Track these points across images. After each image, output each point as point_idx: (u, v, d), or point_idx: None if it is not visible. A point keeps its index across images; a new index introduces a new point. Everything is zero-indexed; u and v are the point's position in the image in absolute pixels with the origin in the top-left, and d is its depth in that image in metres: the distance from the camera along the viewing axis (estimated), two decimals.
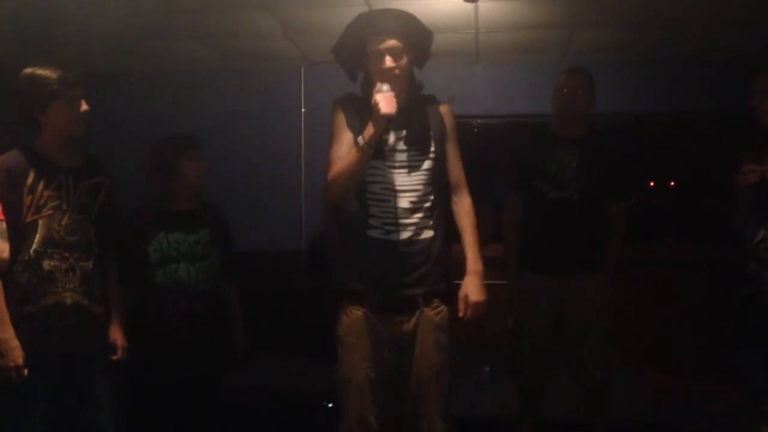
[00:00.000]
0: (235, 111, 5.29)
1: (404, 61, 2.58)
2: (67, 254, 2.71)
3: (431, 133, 2.66)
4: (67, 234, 2.72)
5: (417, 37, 2.64)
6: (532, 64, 5.01)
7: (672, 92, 4.97)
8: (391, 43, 2.55)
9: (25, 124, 2.77)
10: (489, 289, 2.65)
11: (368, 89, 2.60)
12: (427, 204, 2.62)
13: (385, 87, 2.48)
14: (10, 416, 2.66)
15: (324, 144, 4.01)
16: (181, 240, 3.16)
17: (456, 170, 2.74)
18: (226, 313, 3.32)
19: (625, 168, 3.64)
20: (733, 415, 3.80)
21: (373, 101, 2.47)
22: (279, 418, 4.07)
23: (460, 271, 2.69)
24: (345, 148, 2.60)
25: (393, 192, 2.58)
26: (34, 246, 2.67)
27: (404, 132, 2.62)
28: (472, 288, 2.59)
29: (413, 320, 2.61)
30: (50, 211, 2.70)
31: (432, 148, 2.64)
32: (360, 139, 2.54)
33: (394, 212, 2.57)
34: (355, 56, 2.66)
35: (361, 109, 2.60)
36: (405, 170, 2.60)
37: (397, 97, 2.51)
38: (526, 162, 3.54)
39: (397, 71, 2.55)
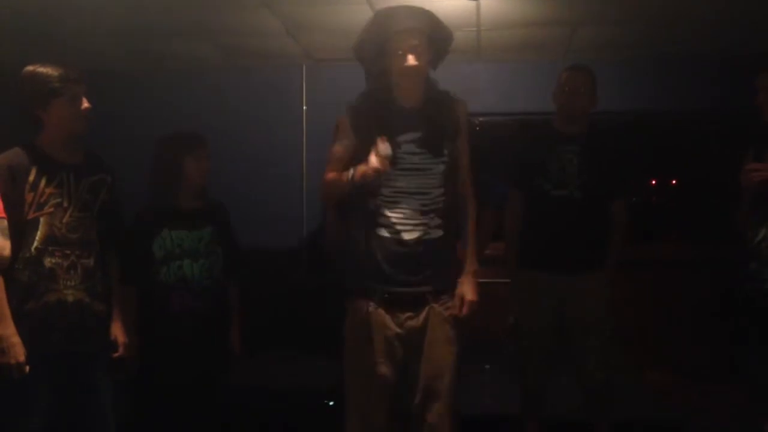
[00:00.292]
0: (236, 109, 5.29)
1: (425, 59, 2.57)
2: (68, 251, 2.71)
3: (444, 135, 2.66)
4: (68, 231, 2.72)
5: (438, 37, 2.63)
6: (533, 62, 5.00)
7: (674, 91, 4.97)
8: (415, 41, 2.53)
9: (26, 122, 2.77)
10: (483, 288, 2.73)
11: (385, 88, 2.61)
12: (439, 205, 2.63)
13: (384, 146, 2.46)
14: (12, 414, 2.66)
15: (326, 141, 4.02)
16: (185, 237, 3.16)
17: (463, 173, 2.75)
18: (228, 311, 3.31)
19: (626, 166, 3.63)
20: (734, 415, 3.80)
21: (372, 152, 2.47)
22: (280, 416, 4.07)
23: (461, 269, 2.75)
24: (341, 151, 2.67)
25: (404, 194, 2.59)
26: (36, 243, 2.66)
27: (417, 135, 2.61)
28: (467, 288, 2.67)
29: (422, 316, 2.63)
30: (52, 209, 2.70)
31: (445, 151, 2.64)
32: (352, 171, 2.55)
33: (405, 213, 2.58)
34: (376, 54, 2.63)
35: (374, 109, 2.61)
36: (417, 173, 2.61)
37: (414, 95, 2.55)
38: (527, 160, 3.54)
39: (417, 70, 2.55)
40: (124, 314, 2.98)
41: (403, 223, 2.58)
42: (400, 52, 2.53)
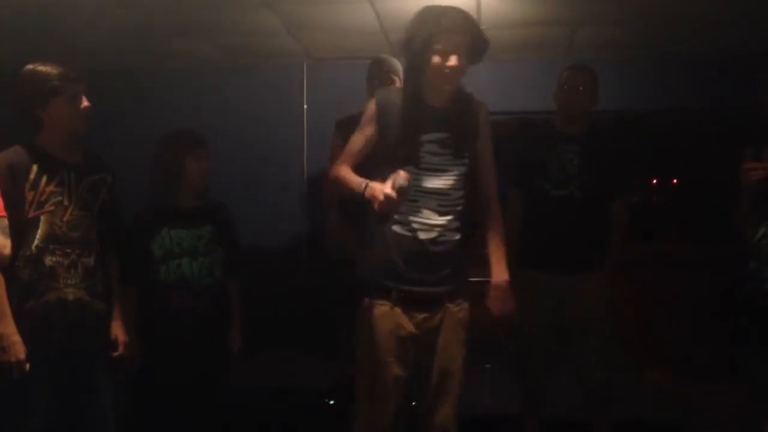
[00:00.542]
0: (237, 108, 5.29)
1: (465, 62, 2.56)
2: (68, 250, 2.71)
3: (467, 137, 2.65)
4: (68, 230, 2.72)
5: (477, 43, 2.60)
6: (534, 62, 5.00)
7: (674, 90, 4.97)
8: (461, 42, 2.52)
9: (26, 121, 2.77)
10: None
11: (416, 84, 2.59)
12: (458, 208, 2.62)
13: (402, 179, 2.42)
14: (12, 412, 2.66)
15: (326, 140, 4.02)
16: (183, 236, 3.16)
17: (486, 175, 2.74)
18: (229, 311, 3.31)
19: (626, 166, 3.63)
20: (734, 415, 3.80)
21: (390, 180, 2.44)
22: (280, 416, 4.08)
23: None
24: (361, 142, 2.67)
25: (423, 194, 2.57)
26: (36, 242, 2.67)
27: (442, 135, 2.60)
28: (499, 300, 2.70)
29: (438, 316, 2.63)
30: (52, 207, 2.70)
31: (466, 154, 2.64)
32: (365, 185, 2.53)
33: (423, 213, 2.57)
34: (422, 50, 2.56)
35: (405, 104, 2.59)
36: (437, 173, 2.60)
37: (444, 95, 2.59)
38: (527, 159, 3.54)
39: (458, 71, 2.55)
40: (124, 313, 2.98)
41: (420, 222, 2.56)
42: (445, 51, 2.50)
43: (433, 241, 2.58)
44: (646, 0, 3.86)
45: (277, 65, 5.28)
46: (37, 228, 2.67)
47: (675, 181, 6.03)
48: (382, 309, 2.59)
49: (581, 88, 3.47)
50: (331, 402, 4.25)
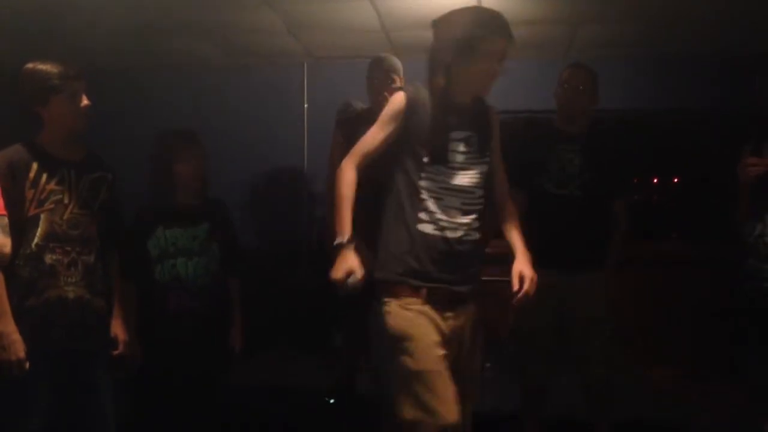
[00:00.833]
0: (237, 107, 5.29)
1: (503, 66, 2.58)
2: (68, 248, 2.71)
3: (487, 137, 2.65)
4: (69, 228, 2.72)
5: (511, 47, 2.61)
6: (534, 61, 4.99)
7: (675, 89, 4.97)
8: (506, 47, 2.54)
9: (27, 120, 2.77)
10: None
11: (448, 80, 2.55)
12: (479, 206, 2.61)
13: (357, 280, 2.43)
14: (12, 411, 2.66)
15: (327, 139, 4.01)
16: (179, 235, 3.16)
17: (501, 173, 2.79)
18: (228, 310, 3.31)
19: (627, 165, 3.63)
20: (734, 414, 3.80)
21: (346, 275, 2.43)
22: (280, 416, 4.08)
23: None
24: (378, 141, 2.57)
25: (449, 191, 2.55)
26: (36, 240, 2.66)
27: (466, 134, 2.59)
28: (526, 265, 2.63)
29: (462, 316, 2.62)
30: (52, 205, 2.70)
31: (487, 153, 2.64)
32: (338, 244, 2.48)
33: (449, 212, 2.54)
34: (468, 50, 2.52)
35: (437, 101, 2.55)
36: (462, 171, 2.58)
37: (470, 95, 2.60)
38: (528, 159, 3.53)
39: (498, 77, 2.56)
40: (124, 311, 2.98)
41: (446, 220, 2.54)
42: (493, 54, 2.52)
43: (459, 240, 2.56)
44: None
45: (277, 64, 5.29)
46: (37, 226, 2.67)
47: (676, 180, 6.02)
48: (416, 307, 2.53)
49: (581, 87, 3.47)
50: (332, 401, 4.25)
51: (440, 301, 2.56)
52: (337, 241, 2.47)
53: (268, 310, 4.52)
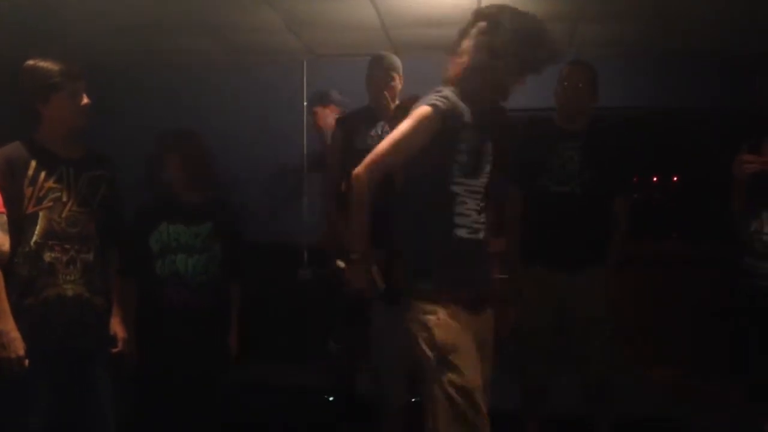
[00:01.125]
0: (237, 104, 5.29)
1: None
2: (67, 246, 2.70)
3: (493, 137, 2.65)
4: (67, 226, 2.71)
5: None
6: None
7: (675, 88, 4.96)
8: None
9: (26, 116, 2.76)
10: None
11: (482, 84, 2.50)
12: (484, 205, 2.60)
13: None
14: (11, 409, 2.65)
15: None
16: (181, 231, 3.15)
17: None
18: (226, 311, 3.30)
19: (628, 163, 3.62)
20: (734, 412, 3.80)
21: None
22: (280, 416, 4.08)
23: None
24: (418, 142, 2.42)
25: (472, 193, 2.52)
26: (35, 238, 2.66)
27: (485, 135, 2.59)
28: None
29: (486, 316, 2.61)
30: (51, 203, 2.69)
31: (491, 152, 2.64)
32: (354, 258, 2.48)
33: (474, 213, 2.51)
34: (519, 60, 2.48)
35: (470, 106, 2.47)
36: (483, 173, 2.58)
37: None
38: (528, 157, 3.53)
39: None
40: (124, 308, 2.99)
41: (476, 223, 2.51)
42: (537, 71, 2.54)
43: (483, 241, 2.55)
44: None
45: (277, 62, 5.28)
46: (36, 224, 2.66)
47: (675, 178, 6.02)
48: (461, 317, 2.47)
49: (581, 85, 3.46)
50: (331, 398, 4.26)
51: (474, 305, 2.53)
52: (354, 256, 2.47)
53: (267, 310, 4.52)
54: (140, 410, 3.16)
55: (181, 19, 4.28)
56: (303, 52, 5.11)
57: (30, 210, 2.66)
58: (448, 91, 2.44)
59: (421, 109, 2.41)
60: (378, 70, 3.71)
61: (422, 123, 2.40)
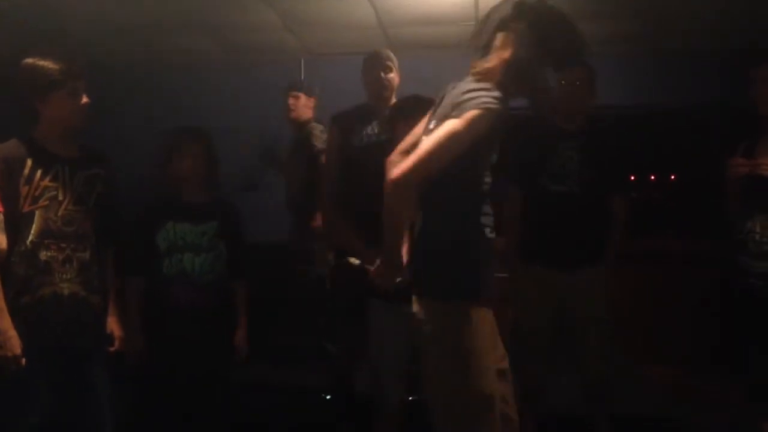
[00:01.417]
0: (235, 103, 5.28)
1: None
2: (63, 245, 2.70)
3: None
4: (63, 224, 2.71)
5: None
6: None
7: (673, 86, 4.97)
8: None
9: (24, 114, 2.76)
10: None
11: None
12: None
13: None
14: (9, 407, 2.65)
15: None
16: (188, 230, 3.16)
17: None
18: (232, 308, 3.29)
19: (626, 162, 3.63)
20: (732, 411, 3.80)
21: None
22: (280, 416, 4.08)
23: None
24: (442, 159, 2.26)
25: (489, 192, 2.46)
26: (31, 237, 2.66)
27: None
28: None
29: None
30: (47, 202, 2.69)
31: None
32: (388, 260, 2.43)
33: (491, 213, 2.45)
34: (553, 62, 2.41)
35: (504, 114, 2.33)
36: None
37: None
38: (527, 156, 3.53)
39: None
40: (129, 307, 3.02)
41: (492, 221, 2.45)
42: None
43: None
44: None
45: (275, 61, 5.28)
46: (32, 223, 2.66)
47: (673, 177, 6.02)
48: (484, 315, 2.41)
49: (578, 83, 3.46)
50: (328, 397, 4.26)
51: (492, 306, 2.46)
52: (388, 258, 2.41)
53: (268, 309, 4.51)
54: (146, 409, 3.17)
55: (179, 18, 4.28)
56: (300, 50, 5.11)
57: (26, 209, 2.66)
58: (495, 90, 2.29)
59: (473, 113, 2.23)
60: (374, 67, 3.70)
61: (475, 127, 2.24)
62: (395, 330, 3.10)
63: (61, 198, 2.72)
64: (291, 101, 4.66)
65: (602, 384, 3.48)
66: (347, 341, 4.00)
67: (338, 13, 4.22)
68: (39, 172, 2.69)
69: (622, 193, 3.59)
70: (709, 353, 4.60)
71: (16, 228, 2.65)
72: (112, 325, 2.93)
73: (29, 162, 2.69)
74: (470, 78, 2.36)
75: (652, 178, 6.00)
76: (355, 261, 2.46)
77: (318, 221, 4.27)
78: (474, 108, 2.22)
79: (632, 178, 5.11)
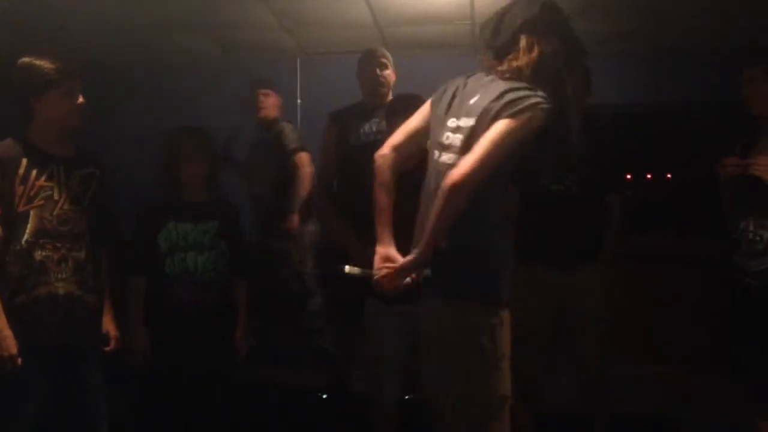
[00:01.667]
0: (231, 102, 5.26)
1: None
2: (59, 244, 2.70)
3: None
4: (58, 224, 2.71)
5: None
6: None
7: (670, 84, 4.97)
8: None
9: (25, 113, 2.75)
10: None
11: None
12: None
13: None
14: (5, 406, 2.65)
15: (320, 134, 4.00)
16: (190, 229, 3.17)
17: None
18: (234, 308, 3.30)
19: (623, 161, 3.62)
20: (732, 411, 3.80)
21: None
22: (280, 416, 4.08)
23: None
24: (493, 162, 2.24)
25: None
26: (26, 236, 2.65)
27: None
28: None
29: None
30: (42, 202, 2.68)
31: None
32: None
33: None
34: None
35: None
36: None
37: None
38: (524, 154, 3.52)
39: None
40: (131, 307, 3.04)
41: None
42: None
43: None
44: None
45: (271, 60, 5.27)
46: (27, 222, 2.65)
47: (669, 176, 6.03)
48: (507, 316, 2.44)
49: (579, 83, 3.45)
50: (324, 396, 4.26)
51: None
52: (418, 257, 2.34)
53: (267, 309, 4.50)
54: (148, 409, 3.17)
55: (175, 17, 4.27)
56: (296, 49, 5.10)
57: (21, 208, 2.65)
58: (539, 89, 2.26)
59: (530, 114, 2.21)
60: (370, 64, 3.71)
61: (530, 127, 2.24)
62: (393, 329, 3.10)
63: (56, 198, 2.72)
64: (261, 99, 4.51)
65: (602, 384, 3.48)
66: (345, 341, 4.01)
67: (334, 12, 4.21)
68: (34, 172, 2.68)
69: (619, 191, 3.59)
70: (709, 353, 4.60)
71: (11, 227, 2.64)
72: (108, 324, 2.93)
73: (24, 162, 2.68)
74: (493, 76, 2.34)
75: (649, 176, 6.01)
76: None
77: (292, 223, 4.20)
78: (530, 109, 2.21)
79: (628, 176, 5.12)
